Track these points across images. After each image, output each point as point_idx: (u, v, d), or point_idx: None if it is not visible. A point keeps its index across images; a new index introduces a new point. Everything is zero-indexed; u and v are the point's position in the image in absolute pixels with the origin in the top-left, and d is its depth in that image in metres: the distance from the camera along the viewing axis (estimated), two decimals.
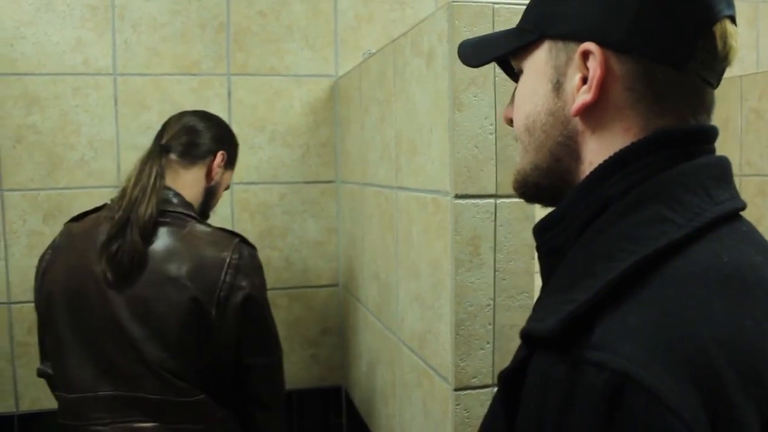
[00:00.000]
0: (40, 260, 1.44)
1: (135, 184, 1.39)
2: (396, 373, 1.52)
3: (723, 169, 0.62)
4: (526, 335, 0.57)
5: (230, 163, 1.59)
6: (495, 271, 1.16)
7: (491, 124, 1.13)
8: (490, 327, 1.17)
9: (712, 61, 0.60)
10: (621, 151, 0.61)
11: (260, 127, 2.06)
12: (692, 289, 0.53)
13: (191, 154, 1.48)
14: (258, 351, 1.44)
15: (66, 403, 1.36)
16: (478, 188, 1.14)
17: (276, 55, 2.05)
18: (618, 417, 0.47)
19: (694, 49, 0.59)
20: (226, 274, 1.36)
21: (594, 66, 0.60)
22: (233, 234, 1.45)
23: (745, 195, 1.98)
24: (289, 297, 2.12)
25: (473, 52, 0.75)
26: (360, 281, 1.87)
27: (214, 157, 1.52)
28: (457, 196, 1.13)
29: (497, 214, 1.15)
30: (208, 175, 1.52)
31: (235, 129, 2.03)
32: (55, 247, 1.43)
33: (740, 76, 2.09)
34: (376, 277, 1.67)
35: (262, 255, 2.07)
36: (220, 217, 2.03)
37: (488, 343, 1.17)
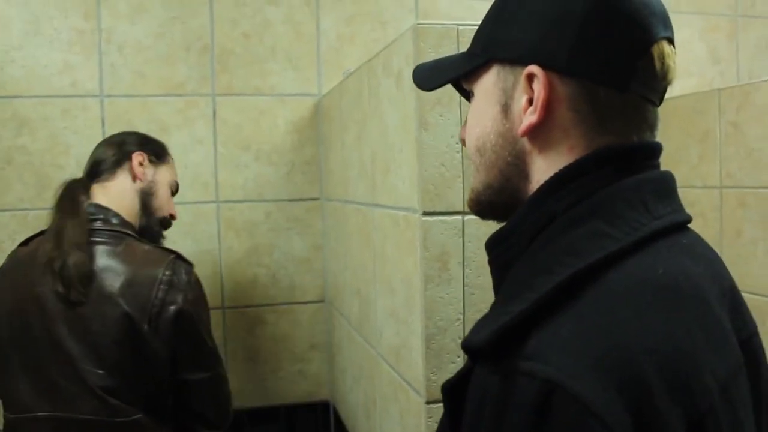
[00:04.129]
0: None
1: (55, 211, 1.46)
2: (376, 387, 1.55)
3: (664, 183, 0.65)
4: (463, 347, 0.59)
5: (158, 157, 1.61)
6: (464, 286, 1.19)
7: (457, 143, 1.16)
8: (460, 341, 1.19)
9: (652, 80, 0.63)
10: (565, 168, 0.63)
11: (245, 146, 2.09)
12: (625, 300, 0.55)
13: (104, 170, 1.53)
14: (194, 366, 1.45)
15: (9, 423, 1.40)
16: (446, 205, 1.17)
17: (260, 75, 2.09)
18: (547, 423, 0.49)
19: (633, 70, 0.61)
20: (158, 290, 1.38)
21: (538, 88, 0.63)
22: (169, 251, 1.48)
23: (726, 207, 2.01)
24: (276, 313, 2.14)
25: (427, 76, 0.78)
26: (344, 297, 1.90)
27: (130, 160, 1.55)
28: (425, 213, 1.16)
29: (465, 231, 1.18)
30: (134, 178, 1.54)
31: (220, 148, 2.08)
32: (1, 271, 1.47)
33: (719, 90, 2.12)
34: (358, 292, 1.70)
35: (249, 272, 2.11)
36: (205, 234, 2.06)
37: (459, 356, 1.19)
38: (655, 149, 0.66)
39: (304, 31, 2.12)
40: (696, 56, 2.44)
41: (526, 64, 0.63)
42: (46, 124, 1.97)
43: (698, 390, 0.54)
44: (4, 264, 1.49)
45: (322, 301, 2.17)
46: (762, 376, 0.67)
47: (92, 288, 1.36)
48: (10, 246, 1.94)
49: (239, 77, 2.08)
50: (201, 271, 2.06)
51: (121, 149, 1.55)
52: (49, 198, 1.96)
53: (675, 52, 0.65)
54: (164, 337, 1.38)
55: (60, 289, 1.35)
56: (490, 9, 0.70)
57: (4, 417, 1.42)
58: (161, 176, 1.60)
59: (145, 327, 1.36)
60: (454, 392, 0.60)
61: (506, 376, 0.53)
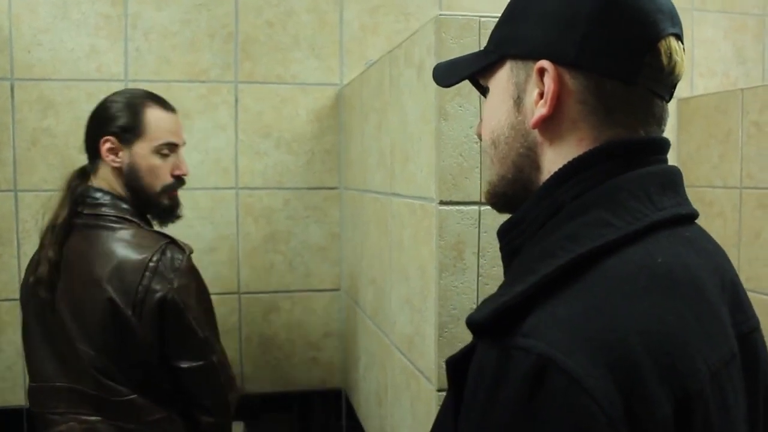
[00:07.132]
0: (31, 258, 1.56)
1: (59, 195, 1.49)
2: (388, 375, 1.56)
3: (670, 177, 0.67)
4: (466, 323, 0.62)
5: (130, 131, 1.46)
6: (479, 276, 1.20)
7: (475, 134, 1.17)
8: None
9: (660, 75, 0.65)
10: (574, 159, 0.66)
11: (266, 134, 2.11)
12: (621, 286, 0.58)
13: (88, 155, 1.53)
14: (184, 354, 1.43)
15: (31, 391, 1.47)
16: (463, 195, 1.18)
17: (282, 63, 2.11)
18: (539, 395, 0.52)
19: (640, 64, 0.64)
20: (143, 276, 1.37)
21: (548, 82, 0.65)
22: (164, 236, 1.45)
23: (745, 208, 1.99)
24: (291, 300, 2.16)
25: (445, 73, 0.81)
26: (359, 285, 1.92)
27: (98, 147, 1.47)
28: (442, 203, 1.17)
29: (481, 221, 1.19)
30: (110, 165, 1.47)
31: (241, 135, 2.09)
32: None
33: (742, 90, 2.10)
34: (373, 281, 1.71)
35: (266, 259, 2.13)
36: (224, 219, 2.09)
37: None
38: (663, 144, 0.68)
39: (327, 21, 2.13)
40: (721, 55, 2.42)
41: (537, 59, 0.66)
42: (71, 107, 2.00)
43: (687, 372, 0.56)
44: None
45: (337, 290, 2.19)
46: (760, 371, 0.68)
47: (85, 271, 1.38)
48: (33, 226, 1.98)
49: (262, 65, 2.10)
50: (218, 256, 2.09)
51: (91, 135, 1.49)
52: None
53: (683, 48, 0.67)
54: (149, 324, 1.37)
55: (31, 279, 1.43)
56: (504, 10, 0.74)
57: (29, 387, 1.49)
58: (140, 151, 1.47)
59: (130, 313, 1.36)
60: (458, 367, 0.63)
61: (503, 351, 0.56)
